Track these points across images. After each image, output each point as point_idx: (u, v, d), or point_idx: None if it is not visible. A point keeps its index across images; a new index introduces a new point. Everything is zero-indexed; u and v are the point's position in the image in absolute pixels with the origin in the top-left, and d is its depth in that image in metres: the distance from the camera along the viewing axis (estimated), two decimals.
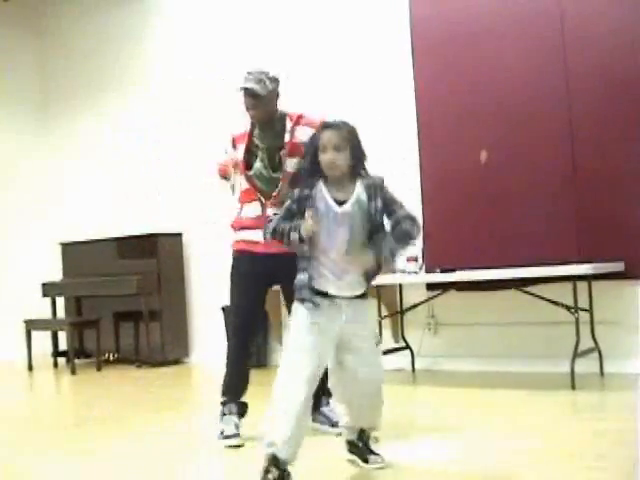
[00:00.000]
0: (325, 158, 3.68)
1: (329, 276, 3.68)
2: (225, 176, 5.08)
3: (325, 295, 3.68)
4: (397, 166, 7.41)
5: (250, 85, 4.80)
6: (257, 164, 4.88)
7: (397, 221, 3.70)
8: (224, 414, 4.85)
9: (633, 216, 6.23)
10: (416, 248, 6.95)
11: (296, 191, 3.74)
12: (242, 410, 4.90)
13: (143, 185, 9.69)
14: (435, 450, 4.30)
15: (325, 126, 3.74)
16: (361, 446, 4.03)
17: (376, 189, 3.73)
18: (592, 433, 4.40)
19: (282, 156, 4.79)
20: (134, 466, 4.39)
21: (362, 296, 3.77)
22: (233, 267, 5.01)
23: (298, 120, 4.87)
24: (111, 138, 10.10)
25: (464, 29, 7.02)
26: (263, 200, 4.87)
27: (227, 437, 4.72)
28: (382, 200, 3.72)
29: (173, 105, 9.41)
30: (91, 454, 4.73)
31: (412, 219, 3.71)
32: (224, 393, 4.92)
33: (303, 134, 4.67)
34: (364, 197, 3.71)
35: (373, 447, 4.04)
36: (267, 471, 3.54)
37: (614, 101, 6.32)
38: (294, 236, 3.61)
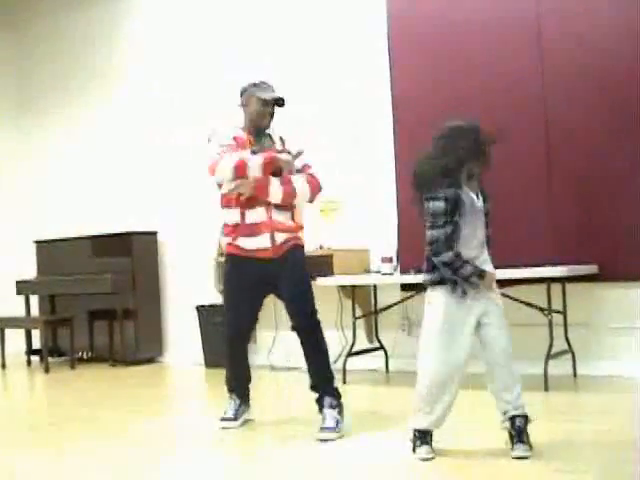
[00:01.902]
0: None
1: None
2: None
3: None
4: (372, 166, 7.44)
5: (280, 95, 5.04)
6: None
7: None
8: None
9: (607, 219, 6.27)
10: (391, 249, 6.97)
11: (448, 191, 4.03)
12: None
13: (118, 183, 9.64)
14: (408, 449, 4.31)
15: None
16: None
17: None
18: (564, 435, 4.42)
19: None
20: (109, 465, 4.37)
21: None
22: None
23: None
24: (87, 137, 10.03)
25: (441, 25, 7.02)
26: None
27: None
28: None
29: (150, 104, 9.37)
30: (66, 453, 4.72)
31: None
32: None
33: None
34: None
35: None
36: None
37: (589, 105, 6.35)
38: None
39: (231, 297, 5.10)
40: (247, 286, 5.00)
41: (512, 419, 4.05)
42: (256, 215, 4.89)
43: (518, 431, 4.02)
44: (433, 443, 4.15)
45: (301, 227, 5.05)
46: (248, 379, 5.27)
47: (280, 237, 4.90)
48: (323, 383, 4.91)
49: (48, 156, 10.50)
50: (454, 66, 6.95)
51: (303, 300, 4.93)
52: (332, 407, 4.80)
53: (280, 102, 5.03)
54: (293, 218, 4.96)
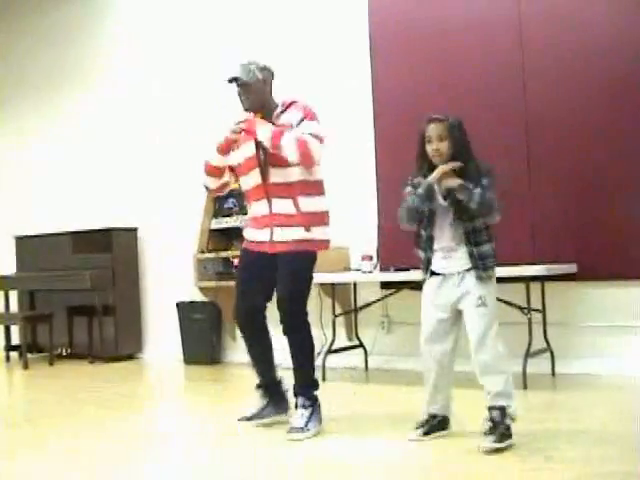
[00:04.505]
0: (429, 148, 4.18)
1: None
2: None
3: None
4: (352, 163, 7.44)
5: (237, 74, 4.85)
6: None
7: None
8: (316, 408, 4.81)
9: (586, 218, 6.29)
10: (371, 247, 6.98)
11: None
12: None
13: (98, 179, 9.61)
14: (386, 447, 4.32)
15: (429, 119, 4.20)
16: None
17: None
18: (543, 433, 4.44)
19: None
20: (87, 463, 4.34)
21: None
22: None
23: (289, 106, 4.89)
24: (68, 134, 9.99)
25: (422, 24, 7.04)
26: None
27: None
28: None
29: (128, 100, 9.35)
30: (45, 451, 4.68)
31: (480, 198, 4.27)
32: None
33: (290, 117, 4.78)
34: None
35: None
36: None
37: (569, 105, 6.37)
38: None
39: (237, 283, 5.04)
40: (251, 271, 4.96)
41: (489, 410, 4.11)
42: (260, 207, 4.88)
43: (492, 423, 4.08)
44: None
45: (310, 217, 4.81)
46: (268, 375, 5.09)
47: (278, 235, 4.80)
48: (299, 383, 4.84)
49: (28, 152, 10.44)
50: (435, 65, 6.96)
51: (287, 298, 4.77)
52: (304, 407, 4.74)
53: (231, 81, 4.88)
54: (297, 205, 4.78)
